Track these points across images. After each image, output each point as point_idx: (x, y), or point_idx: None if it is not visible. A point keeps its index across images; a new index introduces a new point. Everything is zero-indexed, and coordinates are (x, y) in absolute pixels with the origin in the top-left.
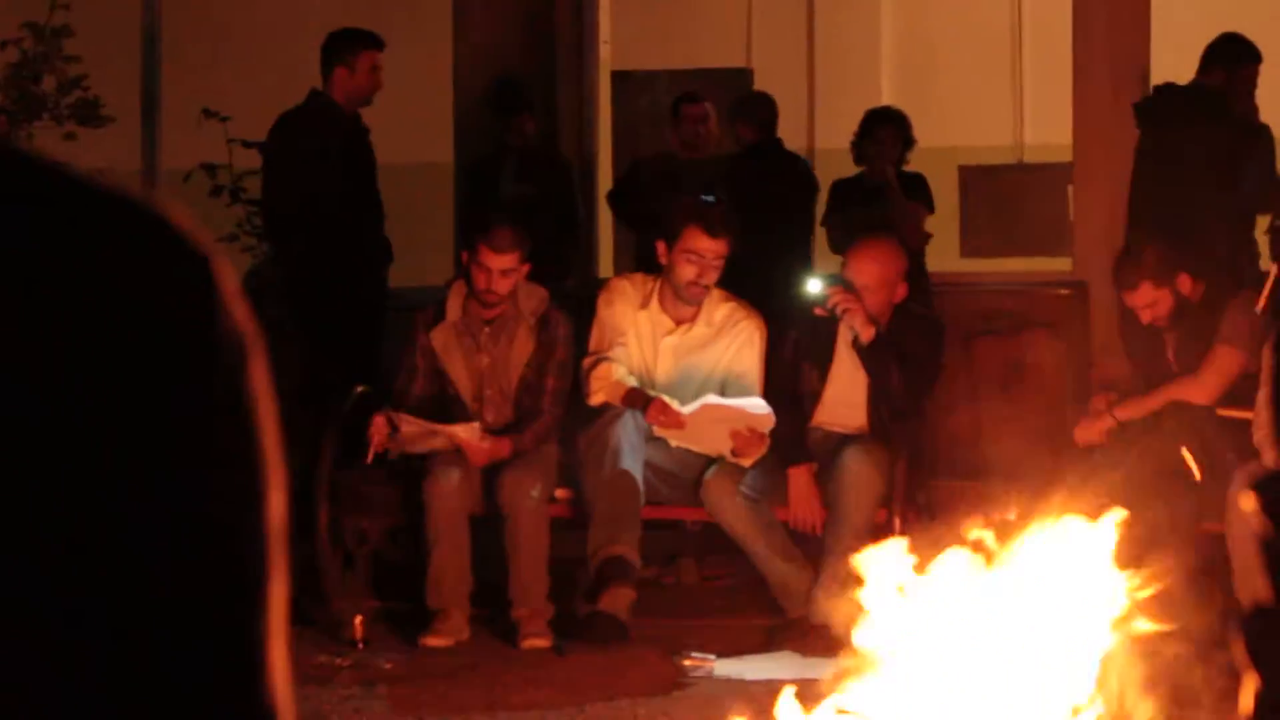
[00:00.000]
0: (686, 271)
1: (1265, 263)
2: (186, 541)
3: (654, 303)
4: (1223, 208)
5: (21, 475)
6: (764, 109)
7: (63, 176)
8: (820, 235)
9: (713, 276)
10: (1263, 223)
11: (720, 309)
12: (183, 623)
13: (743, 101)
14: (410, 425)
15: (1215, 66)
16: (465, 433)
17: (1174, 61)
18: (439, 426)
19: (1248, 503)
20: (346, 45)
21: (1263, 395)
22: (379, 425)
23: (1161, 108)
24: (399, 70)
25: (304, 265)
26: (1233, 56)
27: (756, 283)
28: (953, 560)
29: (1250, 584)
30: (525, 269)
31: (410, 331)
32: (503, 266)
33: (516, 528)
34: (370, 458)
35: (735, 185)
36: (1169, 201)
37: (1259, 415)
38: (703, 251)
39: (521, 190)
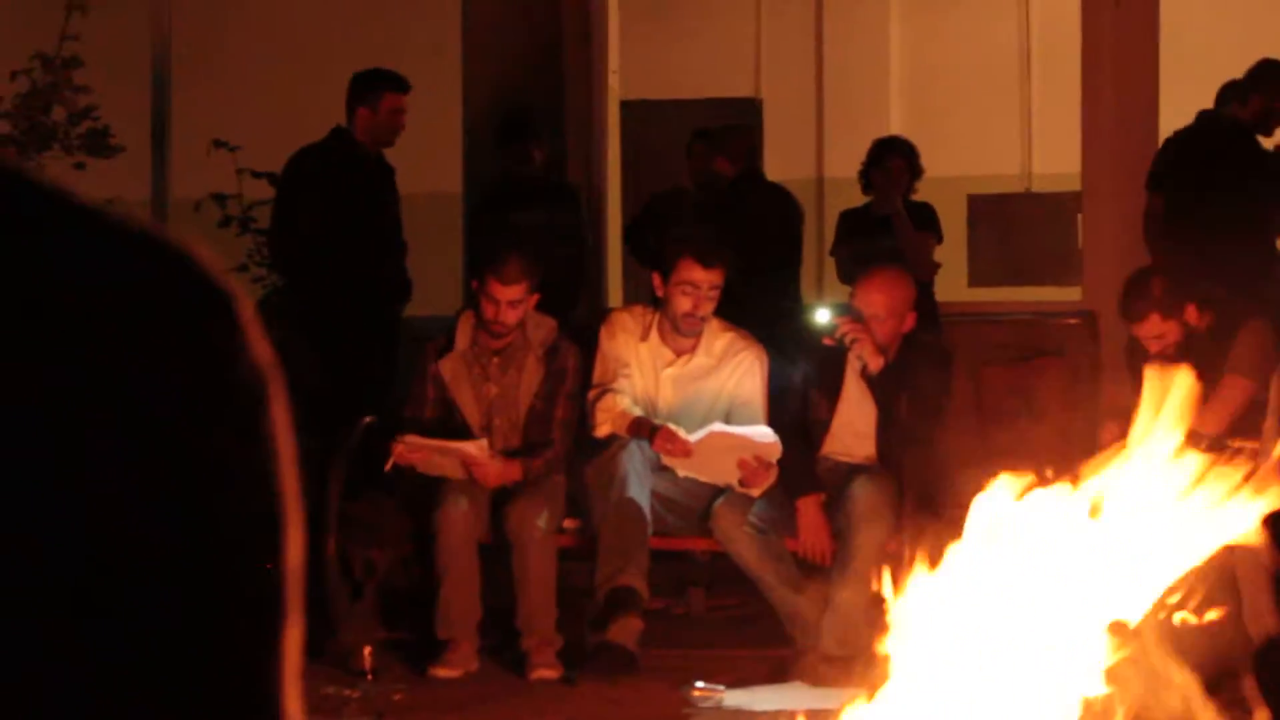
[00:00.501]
0: (682, 303)
1: None
2: (202, 576)
3: (654, 335)
4: (1249, 237)
5: (39, 508)
6: (741, 141)
7: (83, 211)
8: (809, 263)
9: (709, 308)
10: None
11: (720, 339)
12: (197, 660)
13: (719, 135)
14: (418, 445)
15: (1256, 92)
16: (475, 449)
17: (1182, 91)
18: (447, 444)
19: (1257, 536)
20: (370, 86)
21: (1270, 424)
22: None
23: (1199, 137)
24: (409, 100)
25: (315, 296)
26: (1275, 83)
27: (747, 314)
28: (957, 586)
29: (1260, 617)
30: (534, 299)
31: (420, 360)
32: (511, 298)
33: (524, 558)
34: (389, 465)
35: (720, 219)
36: (1199, 231)
37: (1266, 444)
38: (697, 282)
39: (530, 220)
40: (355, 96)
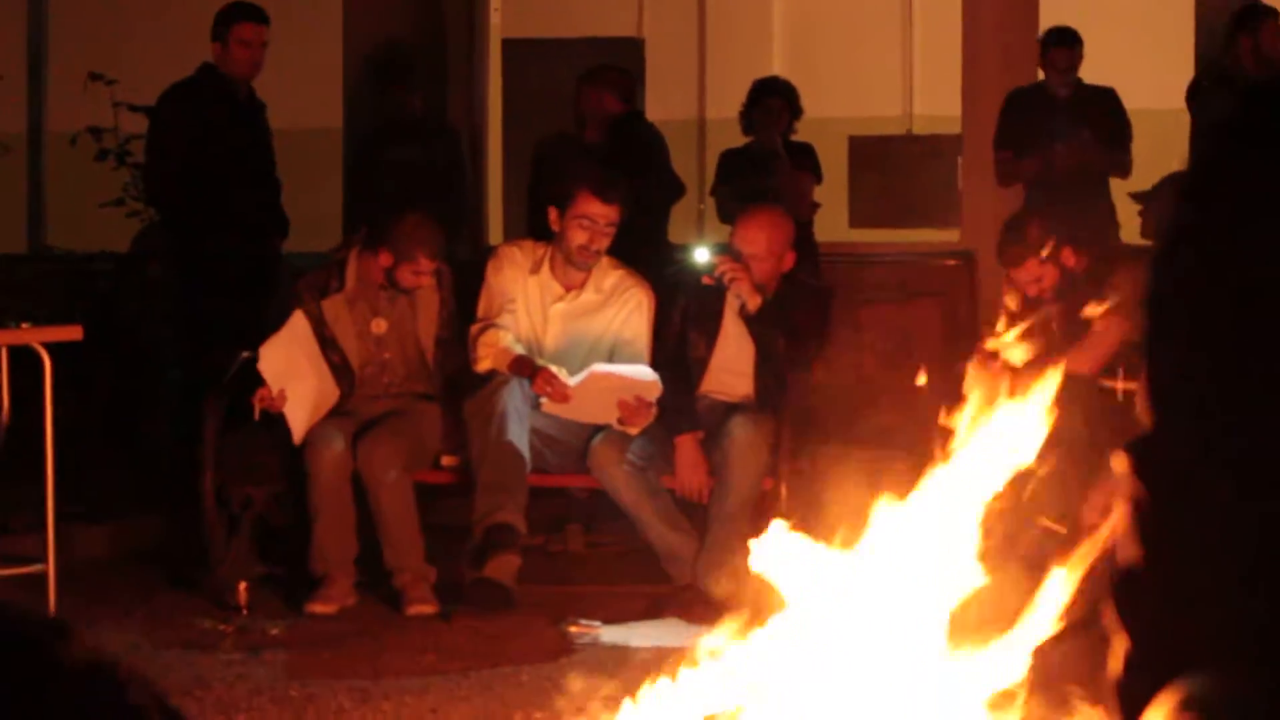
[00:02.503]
0: (578, 236)
1: (1126, 234)
2: None
3: (544, 269)
4: (1084, 189)
5: None
6: (626, 79)
7: None
8: (690, 202)
9: (604, 242)
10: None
11: (610, 276)
12: None
13: (601, 72)
14: (270, 352)
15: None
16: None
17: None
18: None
19: (1119, 464)
20: (220, 19)
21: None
22: (262, 392)
23: (1027, 95)
24: (289, 36)
25: (190, 232)
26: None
27: (624, 252)
28: (832, 530)
29: (1123, 546)
30: None
31: (288, 296)
32: (435, 268)
33: (376, 497)
34: (257, 415)
35: (608, 159)
36: (1041, 187)
37: (1140, 383)
38: (595, 216)
39: (407, 155)
40: (212, 32)
